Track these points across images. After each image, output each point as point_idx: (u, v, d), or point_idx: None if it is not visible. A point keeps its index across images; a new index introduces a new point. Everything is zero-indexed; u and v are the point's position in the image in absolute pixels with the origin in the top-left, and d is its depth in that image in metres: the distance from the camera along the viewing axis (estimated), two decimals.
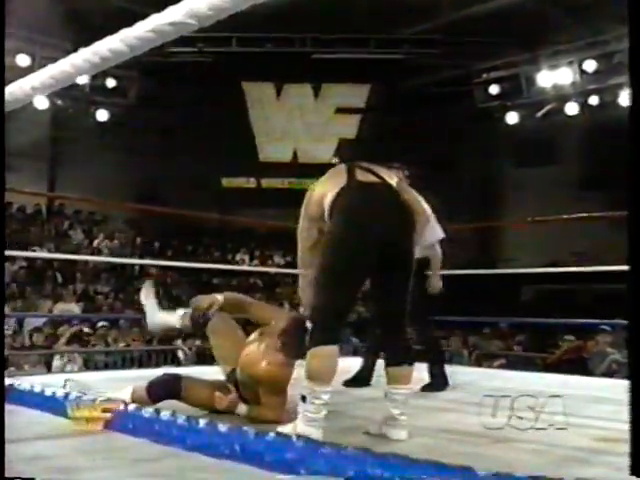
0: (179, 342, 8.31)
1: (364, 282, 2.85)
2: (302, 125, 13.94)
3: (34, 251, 10.87)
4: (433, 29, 12.08)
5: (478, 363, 8.74)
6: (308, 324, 2.71)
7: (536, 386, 4.29)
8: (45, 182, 13.82)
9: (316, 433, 2.57)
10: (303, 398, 2.63)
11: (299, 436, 2.20)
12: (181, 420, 0.73)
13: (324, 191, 2.90)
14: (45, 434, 2.66)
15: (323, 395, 2.62)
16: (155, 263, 11.97)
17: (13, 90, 1.35)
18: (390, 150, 14.55)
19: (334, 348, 2.66)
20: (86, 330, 9.01)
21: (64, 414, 2.71)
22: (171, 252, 12.95)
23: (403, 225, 2.81)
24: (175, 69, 12.07)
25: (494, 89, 12.74)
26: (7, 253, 10.53)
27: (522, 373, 5.92)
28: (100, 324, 8.72)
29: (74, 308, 10.36)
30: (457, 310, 8.33)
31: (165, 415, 0.72)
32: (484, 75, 12.86)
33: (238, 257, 13.65)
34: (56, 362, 8.09)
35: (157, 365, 7.64)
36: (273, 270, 12.33)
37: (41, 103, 11.56)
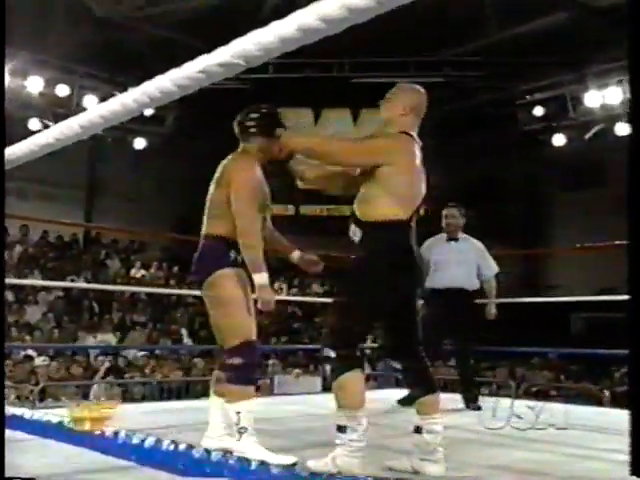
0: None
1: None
2: None
3: (72, 281, 10.81)
4: (475, 51, 11.90)
5: (527, 395, 8.42)
6: (331, 353, 2.70)
7: (586, 421, 4.09)
8: (82, 211, 13.83)
9: (358, 464, 2.57)
10: (342, 428, 2.62)
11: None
12: (232, 461, 0.64)
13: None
14: None
15: (363, 420, 2.64)
16: (192, 293, 11.82)
17: (63, 129, 1.41)
18: (430, 176, 14.37)
19: (361, 372, 2.74)
20: (123, 361, 8.88)
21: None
22: None
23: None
24: (212, 97, 12.08)
25: (539, 111, 12.45)
26: (44, 283, 10.66)
27: (577, 407, 5.70)
28: (139, 354, 8.61)
29: (111, 339, 10.23)
30: (503, 340, 8.01)
31: (216, 456, 0.64)
32: (528, 97, 12.60)
33: (276, 285, 13.45)
34: (93, 393, 7.96)
35: (196, 397, 7.46)
36: (311, 300, 12.10)
37: None
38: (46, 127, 11.28)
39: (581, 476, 2.63)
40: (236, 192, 2.95)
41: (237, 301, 2.88)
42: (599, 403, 7.82)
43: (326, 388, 8.47)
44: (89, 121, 1.36)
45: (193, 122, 12.76)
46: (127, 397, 7.94)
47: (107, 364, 8.66)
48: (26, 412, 2.86)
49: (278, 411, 4.79)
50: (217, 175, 3.11)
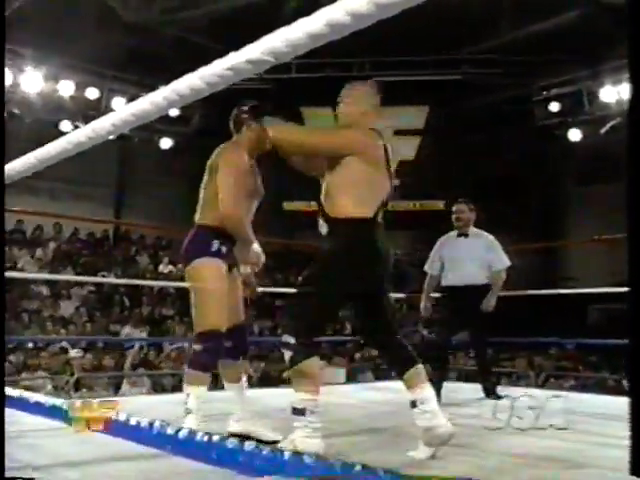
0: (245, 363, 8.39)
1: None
2: None
3: (103, 276, 11.19)
4: (492, 48, 12.03)
5: (546, 385, 8.59)
6: (290, 339, 2.77)
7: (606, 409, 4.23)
8: (112, 209, 14.21)
9: (319, 444, 2.68)
10: (300, 411, 2.73)
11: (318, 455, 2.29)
12: (266, 452, 0.72)
13: None
14: None
15: (320, 403, 2.76)
16: None
17: (95, 127, 1.40)
18: (450, 171, 14.50)
19: (318, 359, 2.83)
20: (152, 353, 9.22)
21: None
22: None
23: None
24: (236, 97, 12.34)
25: (555, 106, 12.57)
26: (77, 278, 11.04)
27: (595, 396, 5.83)
28: (169, 347, 8.92)
29: (141, 332, 10.59)
30: (522, 331, 8.21)
31: (249, 447, 0.72)
32: (544, 92, 12.71)
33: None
34: (124, 385, 8.29)
35: (223, 387, 7.74)
36: None
37: None
38: (77, 129, 11.64)
39: (599, 464, 2.65)
40: (222, 172, 3.08)
41: (211, 291, 3.00)
42: (618, 392, 7.95)
43: (350, 379, 8.75)
44: (121, 119, 1.35)
45: (217, 122, 13.01)
46: (157, 388, 8.28)
47: (138, 356, 9.00)
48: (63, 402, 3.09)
49: None
50: (209, 162, 3.23)
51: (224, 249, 3.08)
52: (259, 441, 2.99)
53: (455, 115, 13.59)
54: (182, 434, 0.91)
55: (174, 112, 12.79)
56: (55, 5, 9.93)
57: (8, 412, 2.81)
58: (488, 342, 5.35)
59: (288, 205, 14.04)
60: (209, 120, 13.07)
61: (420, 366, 2.91)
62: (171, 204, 13.26)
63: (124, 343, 9.49)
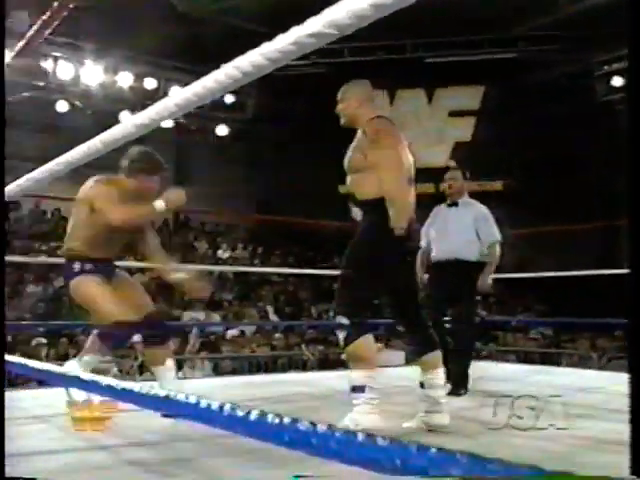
0: (303, 347, 8.48)
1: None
2: (416, 130, 13.87)
3: None
4: (548, 24, 11.73)
5: (607, 367, 8.43)
6: (343, 320, 2.91)
7: None
8: None
9: (379, 419, 2.79)
10: (360, 389, 2.83)
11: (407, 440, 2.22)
12: (339, 434, 0.71)
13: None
14: None
15: (378, 379, 2.88)
16: (276, 271, 12.27)
17: (159, 109, 1.41)
18: (507, 151, 14.23)
19: (372, 337, 2.95)
20: (213, 337, 9.40)
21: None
22: (292, 259, 13.24)
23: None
24: (290, 82, 12.38)
25: (617, 81, 12.19)
26: (138, 264, 11.26)
27: None
28: (229, 331, 9.06)
29: (201, 316, 10.79)
30: (585, 312, 8.04)
31: (322, 429, 0.71)
32: (606, 67, 12.34)
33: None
34: (185, 368, 8.48)
35: (283, 370, 7.86)
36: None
37: (165, 121, 12.22)
38: None
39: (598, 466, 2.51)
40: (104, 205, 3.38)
41: (95, 298, 3.37)
42: None
43: (409, 361, 8.71)
44: (184, 99, 1.34)
45: (272, 108, 13.14)
46: (219, 371, 8.45)
47: (198, 340, 9.18)
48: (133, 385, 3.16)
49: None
50: (78, 196, 3.54)
51: (87, 267, 3.43)
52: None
53: (511, 94, 13.31)
54: (253, 416, 0.91)
55: (230, 99, 12.94)
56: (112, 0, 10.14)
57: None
58: (470, 325, 4.62)
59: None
60: (264, 107, 13.17)
61: (438, 352, 3.10)
62: (228, 190, 13.44)
63: (185, 327, 9.69)
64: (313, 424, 0.87)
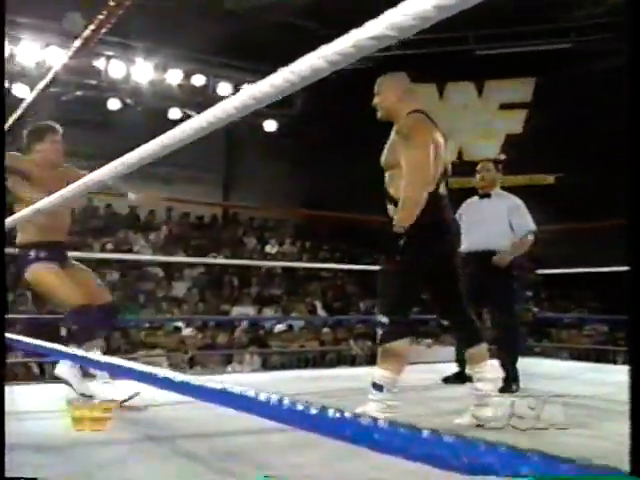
0: (352, 343, 8.47)
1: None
2: (466, 123, 13.65)
3: (213, 258, 11.52)
4: (602, 13, 11.43)
5: None
6: (383, 319, 2.94)
7: None
8: (220, 193, 14.61)
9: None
10: (378, 386, 2.87)
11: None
12: (403, 429, 0.69)
13: None
14: None
15: (398, 385, 2.91)
16: (324, 266, 12.28)
17: (216, 112, 1.40)
18: (560, 144, 13.93)
19: (409, 341, 3.00)
20: (262, 332, 9.47)
21: None
22: (339, 255, 13.22)
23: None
24: (338, 77, 12.34)
25: None
26: (187, 260, 11.48)
27: None
28: (277, 326, 9.11)
29: (250, 311, 10.89)
30: None
31: (385, 424, 0.69)
32: None
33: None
34: (234, 362, 8.57)
35: (331, 365, 7.87)
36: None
37: None
38: (185, 115, 12.11)
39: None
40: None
41: (52, 283, 3.50)
42: None
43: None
44: (241, 103, 1.32)
45: (321, 103, 13.12)
46: (267, 365, 8.51)
47: (247, 335, 9.26)
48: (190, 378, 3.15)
49: (411, 379, 4.69)
50: None
51: (42, 254, 3.54)
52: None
53: (564, 85, 13.01)
54: (314, 410, 0.90)
55: None
56: None
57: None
58: (509, 317, 4.51)
59: None
60: (313, 102, 13.16)
61: (484, 345, 3.11)
62: (277, 186, 13.50)
63: (234, 322, 9.78)
64: (375, 419, 0.86)
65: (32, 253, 3.54)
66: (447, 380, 4.72)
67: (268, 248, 13.21)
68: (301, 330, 9.62)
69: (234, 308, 10.83)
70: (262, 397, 1.00)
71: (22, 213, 2.98)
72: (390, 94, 3.16)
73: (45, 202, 2.49)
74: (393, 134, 3.12)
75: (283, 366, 8.03)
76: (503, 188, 4.77)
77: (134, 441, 2.79)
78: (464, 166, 13.49)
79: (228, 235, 13.60)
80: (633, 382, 0.79)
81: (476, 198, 4.68)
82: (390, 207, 3.14)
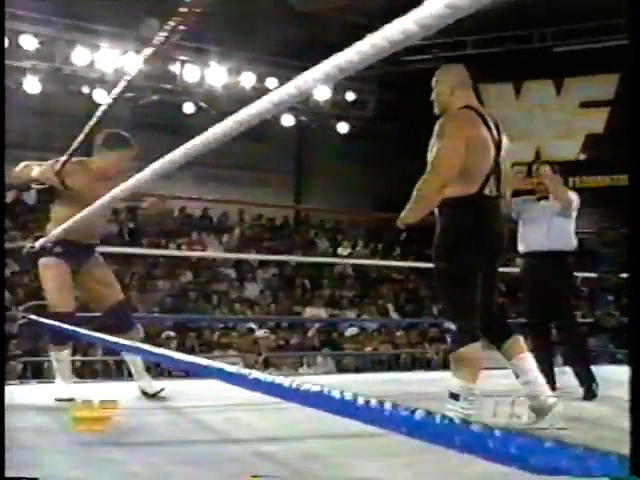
0: (427, 346, 8.35)
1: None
2: (544, 123, 13.29)
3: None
4: None
5: None
6: (451, 325, 2.87)
7: None
8: (291, 195, 14.67)
9: None
10: (455, 396, 2.78)
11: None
12: (522, 438, 0.65)
13: None
14: None
15: (476, 392, 2.79)
16: (396, 264, 12.16)
17: (281, 94, 1.32)
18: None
19: (480, 345, 2.86)
20: (335, 334, 9.43)
21: None
22: (412, 258, 13.06)
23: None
24: (411, 78, 12.24)
25: None
26: (260, 258, 11.59)
27: None
28: (350, 329, 9.06)
29: (322, 313, 10.86)
30: None
31: (499, 433, 0.65)
32: None
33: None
34: (305, 365, 8.55)
35: (406, 368, 7.76)
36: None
37: (287, 120, 12.47)
38: None
39: None
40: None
41: (47, 280, 3.62)
42: None
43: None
44: (324, 73, 1.17)
45: (393, 105, 13.02)
46: (341, 368, 8.46)
47: (318, 336, 9.24)
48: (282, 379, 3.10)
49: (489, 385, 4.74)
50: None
51: (57, 249, 3.62)
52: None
53: None
54: (418, 416, 0.85)
55: (351, 96, 12.95)
56: (234, 2, 10.38)
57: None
58: (577, 324, 4.55)
59: None
60: (385, 104, 13.08)
61: (517, 337, 3.02)
62: (348, 188, 13.46)
63: (306, 323, 9.79)
64: (489, 427, 0.80)
65: (49, 245, 3.63)
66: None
67: (340, 250, 13.17)
68: (373, 333, 9.54)
69: (306, 310, 10.84)
70: (360, 401, 0.95)
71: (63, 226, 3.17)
72: (444, 87, 3.07)
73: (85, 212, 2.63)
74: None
75: (357, 369, 7.96)
76: (582, 189, 4.64)
77: (212, 442, 2.77)
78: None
79: (299, 237, 13.64)
80: (633, 382, 0.79)
81: (533, 197, 4.56)
82: None
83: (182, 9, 1.96)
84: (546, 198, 4.44)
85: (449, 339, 2.94)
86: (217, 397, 3.53)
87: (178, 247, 11.09)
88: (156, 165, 1.96)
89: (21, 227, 11.17)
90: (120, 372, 6.72)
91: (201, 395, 3.77)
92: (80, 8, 10.49)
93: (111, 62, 10.86)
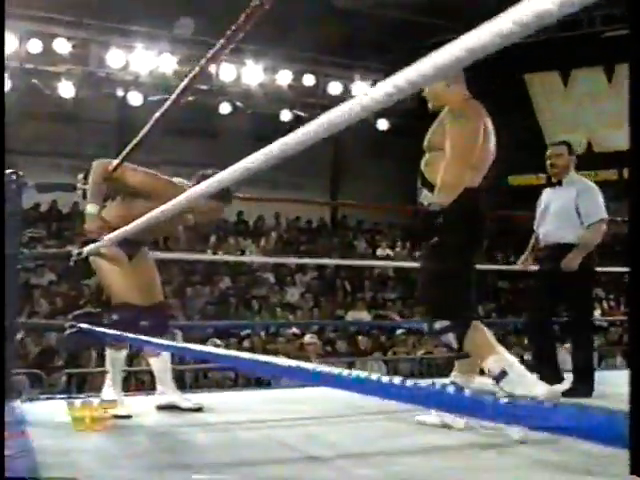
0: None
1: None
2: (595, 112, 12.81)
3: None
4: None
5: None
6: (445, 323, 2.77)
7: None
8: (328, 196, 14.40)
9: (535, 379, 2.66)
10: (502, 374, 2.60)
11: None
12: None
13: None
14: None
15: (507, 355, 2.69)
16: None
17: (376, 94, 1.15)
18: None
19: (479, 323, 2.80)
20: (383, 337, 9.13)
21: None
22: None
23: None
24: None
25: None
26: (299, 261, 11.32)
27: None
28: (398, 332, 8.78)
29: (365, 316, 10.55)
30: None
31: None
32: None
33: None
34: (357, 369, 8.25)
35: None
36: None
37: None
38: (296, 117, 11.95)
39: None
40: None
41: (106, 272, 3.41)
42: None
43: (601, 361, 8.06)
44: (395, 86, 1.08)
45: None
46: (393, 373, 8.15)
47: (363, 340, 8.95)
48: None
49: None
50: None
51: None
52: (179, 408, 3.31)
53: None
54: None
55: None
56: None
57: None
58: (589, 326, 4.34)
59: (514, 180, 13.14)
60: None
61: (483, 328, 2.83)
62: (387, 186, 13.15)
63: (350, 327, 9.52)
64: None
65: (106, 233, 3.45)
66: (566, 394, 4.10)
67: (379, 251, 12.89)
68: (425, 336, 9.19)
69: (349, 313, 10.55)
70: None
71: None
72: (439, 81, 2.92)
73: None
74: (443, 114, 2.93)
75: (412, 374, 7.64)
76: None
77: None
78: (595, 158, 12.72)
79: (337, 239, 13.37)
80: (633, 382, 0.80)
81: (550, 187, 4.33)
82: (424, 192, 2.96)
83: (252, 4, 1.79)
84: (560, 184, 4.20)
85: (451, 338, 2.77)
86: (264, 410, 3.39)
87: (215, 252, 10.85)
88: (235, 169, 1.70)
89: (56, 235, 11.02)
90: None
91: (247, 408, 3.57)
92: (113, 9, 10.32)
93: (146, 63, 10.65)
